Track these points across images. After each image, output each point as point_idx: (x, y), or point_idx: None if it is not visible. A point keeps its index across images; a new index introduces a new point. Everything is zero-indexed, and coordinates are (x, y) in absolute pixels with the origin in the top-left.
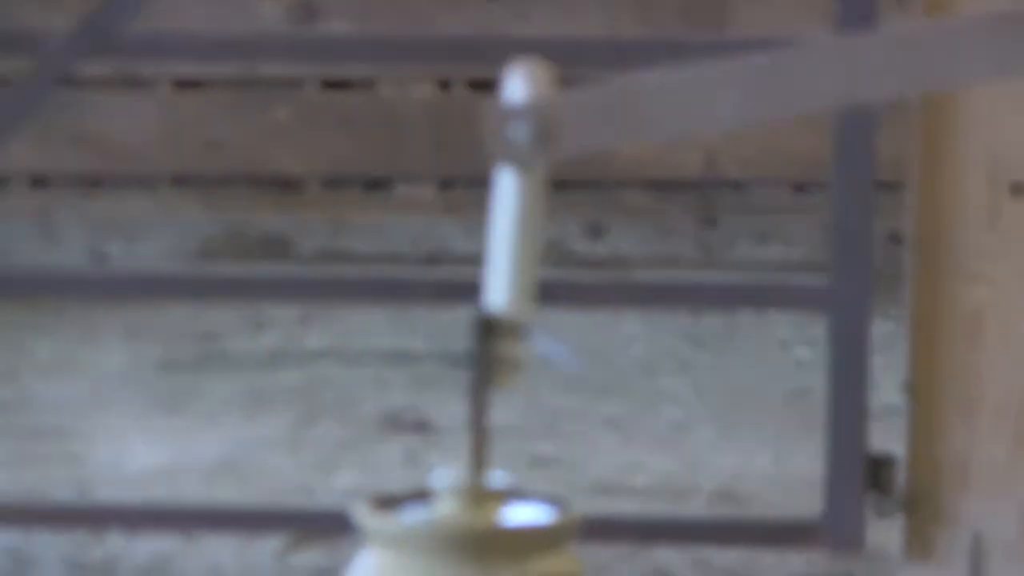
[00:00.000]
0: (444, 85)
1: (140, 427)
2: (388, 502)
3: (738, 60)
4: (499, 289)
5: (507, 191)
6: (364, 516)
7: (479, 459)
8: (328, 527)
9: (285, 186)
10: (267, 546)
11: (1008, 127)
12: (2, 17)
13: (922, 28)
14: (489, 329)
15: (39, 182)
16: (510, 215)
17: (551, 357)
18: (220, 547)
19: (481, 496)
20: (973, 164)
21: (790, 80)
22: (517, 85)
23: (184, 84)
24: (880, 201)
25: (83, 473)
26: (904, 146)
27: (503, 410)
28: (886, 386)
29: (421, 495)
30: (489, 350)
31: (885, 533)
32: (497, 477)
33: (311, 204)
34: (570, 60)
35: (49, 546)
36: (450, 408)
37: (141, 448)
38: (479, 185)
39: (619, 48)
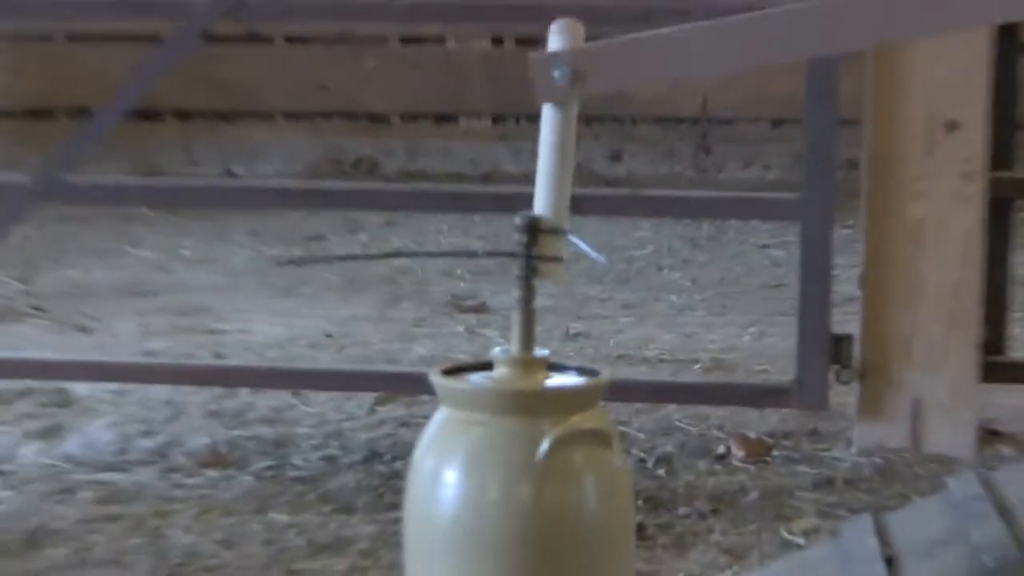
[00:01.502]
0: (498, 41)
1: (261, 307)
2: (457, 369)
3: (724, 20)
4: (543, 199)
5: (549, 122)
6: (439, 381)
7: (528, 335)
8: (408, 387)
9: (373, 119)
10: (360, 401)
11: (944, 75)
12: None
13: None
14: (535, 231)
15: (183, 116)
16: (551, 141)
17: (584, 253)
18: (324, 402)
19: (529, 364)
20: (915, 105)
21: (766, 36)
22: (557, 39)
23: (294, 39)
24: (841, 134)
25: (218, 342)
26: (861, 90)
27: (545, 296)
28: (845, 280)
29: (483, 364)
30: (534, 248)
31: (844, 397)
32: (541, 349)
33: (393, 133)
34: (595, 21)
35: (194, 398)
36: (502, 295)
37: (262, 323)
38: (524, 119)
39: (631, 12)
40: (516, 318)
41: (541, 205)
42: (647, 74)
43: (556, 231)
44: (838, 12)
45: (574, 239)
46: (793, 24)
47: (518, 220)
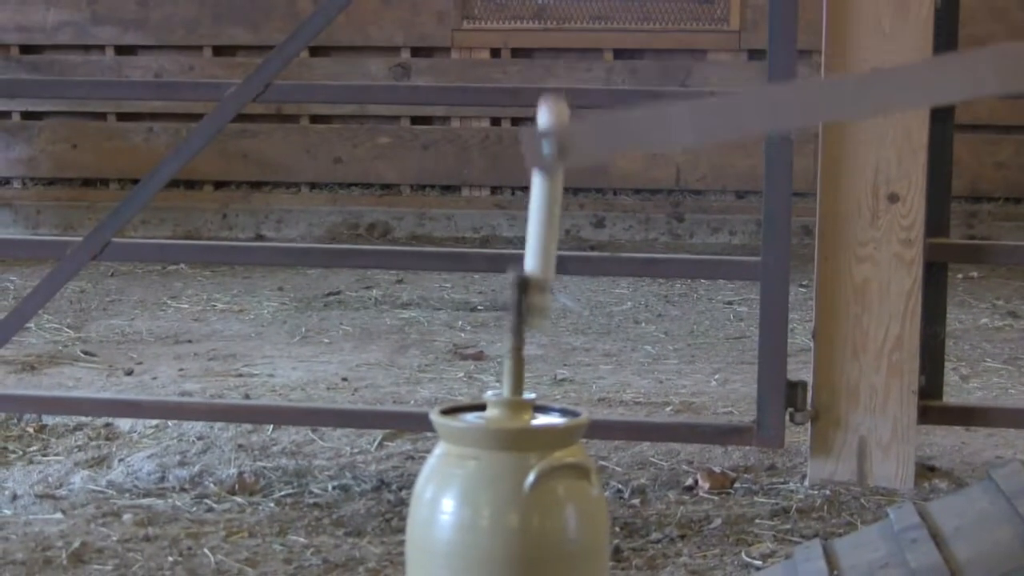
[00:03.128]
0: (496, 121)
1: (285, 353)
2: (455, 410)
3: (694, 100)
4: (532, 257)
5: (538, 189)
6: (437, 420)
7: (517, 381)
8: (414, 425)
9: (386, 189)
10: (371, 437)
11: (886, 155)
12: (195, 75)
13: (821, 82)
14: (524, 285)
15: (220, 185)
16: (540, 205)
17: (567, 306)
18: (339, 437)
19: (518, 406)
20: (861, 180)
21: (731, 114)
22: (544, 115)
23: (317, 119)
24: (796, 204)
25: (247, 384)
26: (813, 165)
27: (535, 346)
28: (800, 333)
29: (478, 405)
30: (524, 300)
31: (798, 436)
32: (529, 393)
33: (404, 202)
34: (580, 103)
35: (224, 434)
36: (498, 344)
37: (285, 367)
38: (519, 190)
39: (613, 95)
40: (507, 365)
41: (531, 262)
42: (622, 148)
43: (542, 285)
44: (786, 97)
45: (558, 294)
46: (754, 104)
47: (510, 277)
